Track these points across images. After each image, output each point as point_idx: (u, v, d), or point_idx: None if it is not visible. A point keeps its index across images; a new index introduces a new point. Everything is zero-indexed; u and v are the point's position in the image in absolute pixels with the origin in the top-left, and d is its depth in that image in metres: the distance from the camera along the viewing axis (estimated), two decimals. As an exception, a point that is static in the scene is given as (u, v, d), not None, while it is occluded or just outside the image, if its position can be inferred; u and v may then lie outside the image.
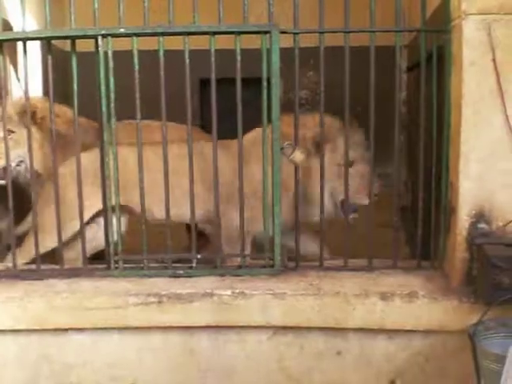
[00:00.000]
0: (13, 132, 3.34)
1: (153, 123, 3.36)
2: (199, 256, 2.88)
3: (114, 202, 2.86)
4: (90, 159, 3.03)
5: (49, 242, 3.07)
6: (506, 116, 2.49)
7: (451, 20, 2.64)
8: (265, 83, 2.72)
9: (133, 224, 3.36)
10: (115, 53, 2.74)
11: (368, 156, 3.03)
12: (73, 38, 2.77)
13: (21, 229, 3.31)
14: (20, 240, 3.20)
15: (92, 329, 2.71)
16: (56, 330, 2.71)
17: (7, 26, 3.65)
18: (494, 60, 2.47)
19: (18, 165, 3.46)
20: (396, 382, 2.70)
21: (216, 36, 2.72)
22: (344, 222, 2.95)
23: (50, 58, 2.81)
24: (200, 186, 3.03)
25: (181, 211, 3.06)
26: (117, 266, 2.88)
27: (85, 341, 2.74)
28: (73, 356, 2.75)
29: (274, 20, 2.73)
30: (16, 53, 3.49)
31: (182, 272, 2.86)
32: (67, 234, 3.08)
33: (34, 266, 2.94)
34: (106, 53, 2.72)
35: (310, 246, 3.31)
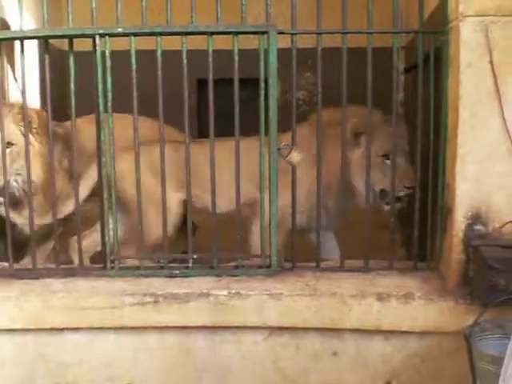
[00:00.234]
0: (13, 145, 3.22)
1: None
2: (195, 256, 2.87)
3: (185, 196, 2.95)
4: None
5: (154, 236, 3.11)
6: (503, 118, 2.49)
7: (449, 22, 2.65)
8: (262, 84, 2.72)
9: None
10: (113, 52, 2.74)
11: (407, 148, 3.16)
12: (70, 38, 2.77)
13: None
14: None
15: (88, 328, 2.71)
16: (52, 329, 2.70)
17: (5, 25, 3.65)
18: (491, 62, 2.48)
19: (15, 179, 3.30)
20: (392, 382, 2.70)
21: (214, 36, 2.73)
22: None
23: (47, 57, 2.80)
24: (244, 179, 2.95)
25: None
26: (113, 265, 2.88)
27: (81, 340, 2.74)
28: (69, 355, 2.75)
29: (272, 20, 2.73)
30: (13, 52, 3.48)
31: (178, 272, 2.86)
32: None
33: (30, 266, 2.93)
34: (103, 52, 2.72)
35: (336, 251, 3.35)
